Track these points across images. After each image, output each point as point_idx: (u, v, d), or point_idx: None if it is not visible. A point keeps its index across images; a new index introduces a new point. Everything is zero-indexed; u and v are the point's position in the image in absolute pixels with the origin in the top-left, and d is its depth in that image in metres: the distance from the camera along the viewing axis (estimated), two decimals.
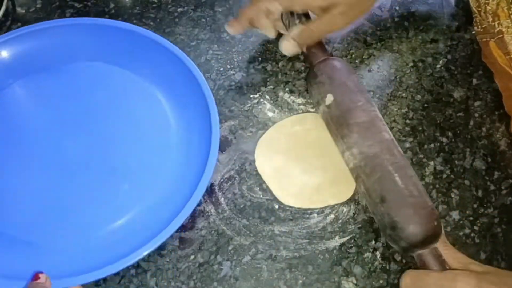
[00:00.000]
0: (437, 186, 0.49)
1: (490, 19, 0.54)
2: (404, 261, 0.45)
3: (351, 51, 0.56)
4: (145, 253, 0.40)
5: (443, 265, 0.41)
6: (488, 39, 0.54)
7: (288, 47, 0.52)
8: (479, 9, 0.56)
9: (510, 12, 0.53)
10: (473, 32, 0.58)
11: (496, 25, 0.53)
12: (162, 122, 0.50)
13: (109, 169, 0.48)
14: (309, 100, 0.53)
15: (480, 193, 0.49)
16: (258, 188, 0.48)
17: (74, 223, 0.45)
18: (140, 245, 0.40)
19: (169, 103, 0.51)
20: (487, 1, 0.55)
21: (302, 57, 0.55)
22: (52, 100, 0.52)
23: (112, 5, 0.59)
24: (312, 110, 0.52)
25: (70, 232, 0.45)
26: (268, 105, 0.52)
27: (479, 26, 0.56)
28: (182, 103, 0.50)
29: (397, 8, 0.60)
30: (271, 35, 0.53)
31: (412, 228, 0.41)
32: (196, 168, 0.45)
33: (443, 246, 0.42)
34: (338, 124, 0.47)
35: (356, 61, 0.56)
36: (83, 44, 0.53)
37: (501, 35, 0.52)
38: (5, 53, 0.52)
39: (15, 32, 0.51)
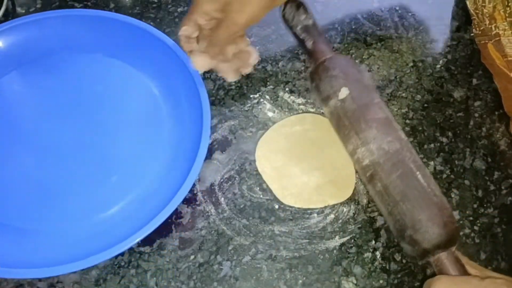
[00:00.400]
0: None
1: (487, 22, 0.54)
2: (404, 261, 0.45)
3: (351, 51, 0.56)
4: (137, 240, 0.40)
5: (464, 270, 0.40)
6: (486, 41, 0.54)
7: (201, 62, 0.47)
8: (477, 11, 0.56)
9: (507, 15, 0.53)
10: (472, 34, 0.58)
11: (493, 28, 0.53)
12: (156, 117, 0.51)
13: (101, 160, 0.48)
14: (309, 100, 0.53)
15: (480, 193, 0.49)
16: (258, 188, 0.48)
17: (65, 212, 0.46)
18: (131, 234, 0.41)
19: (164, 99, 0.51)
20: (483, 4, 0.55)
21: (302, 57, 0.55)
22: (48, 90, 0.52)
23: (112, 5, 0.59)
24: (312, 110, 0.52)
25: (60, 220, 0.45)
26: (268, 105, 0.52)
27: (477, 28, 0.56)
28: (177, 100, 0.51)
29: (397, 8, 0.60)
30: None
31: (437, 228, 0.40)
32: (186, 162, 0.45)
33: (456, 252, 0.41)
34: (354, 118, 0.45)
35: (356, 61, 0.56)
36: (83, 36, 0.53)
37: (498, 38, 0.52)
38: (1, 43, 0.52)
39: (13, 22, 0.51)
